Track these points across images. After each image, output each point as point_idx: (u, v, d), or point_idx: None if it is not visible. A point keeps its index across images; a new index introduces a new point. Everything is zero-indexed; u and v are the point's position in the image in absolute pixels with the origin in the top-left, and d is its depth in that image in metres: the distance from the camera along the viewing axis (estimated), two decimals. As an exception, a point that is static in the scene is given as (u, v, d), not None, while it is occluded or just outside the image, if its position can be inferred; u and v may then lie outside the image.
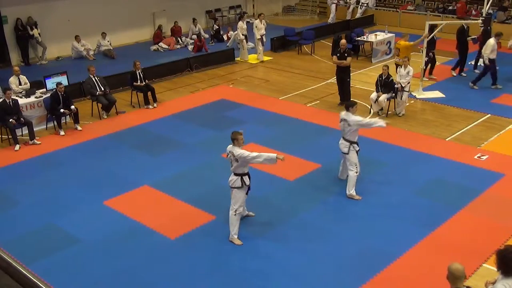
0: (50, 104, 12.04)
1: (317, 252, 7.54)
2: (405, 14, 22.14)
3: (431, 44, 14.45)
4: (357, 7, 23.20)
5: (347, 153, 8.88)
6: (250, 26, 18.56)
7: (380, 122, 8.84)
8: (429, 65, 14.92)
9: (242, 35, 17.22)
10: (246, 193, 7.78)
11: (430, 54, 14.51)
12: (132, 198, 9.19)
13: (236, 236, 7.79)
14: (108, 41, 18.75)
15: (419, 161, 10.22)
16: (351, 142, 8.83)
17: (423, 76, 14.24)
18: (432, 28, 14.36)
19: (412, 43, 13.86)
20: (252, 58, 17.67)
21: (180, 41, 19.80)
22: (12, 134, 11.32)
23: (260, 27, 17.25)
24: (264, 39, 17.54)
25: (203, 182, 9.60)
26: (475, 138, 11.19)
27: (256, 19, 17.51)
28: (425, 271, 7.09)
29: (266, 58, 17.61)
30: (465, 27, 14.79)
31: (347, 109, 8.87)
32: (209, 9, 22.68)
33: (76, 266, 7.39)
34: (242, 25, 17.19)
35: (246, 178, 7.65)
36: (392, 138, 11.22)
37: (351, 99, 12.94)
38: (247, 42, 17.56)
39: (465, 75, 15.15)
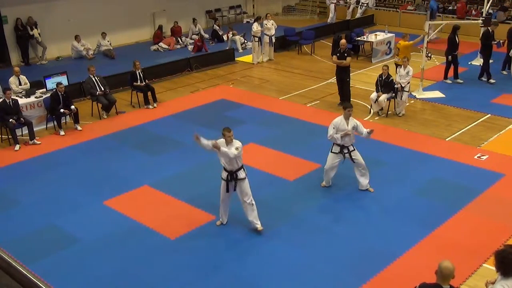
0: (50, 104, 12.04)
1: (317, 252, 7.54)
2: (405, 14, 22.16)
3: (454, 46, 14.31)
4: (357, 7, 23.21)
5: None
6: (250, 26, 18.49)
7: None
8: (453, 67, 14.61)
9: (256, 37, 16.99)
10: (228, 190, 7.92)
11: (449, 57, 14.36)
12: (132, 198, 9.19)
13: (220, 217, 8.23)
14: (108, 41, 18.75)
15: (419, 161, 10.22)
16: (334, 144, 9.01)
17: (446, 77, 14.59)
18: (455, 30, 14.31)
19: (411, 42, 13.88)
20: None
21: (180, 41, 19.81)
22: (12, 134, 11.32)
23: (270, 27, 17.23)
24: (273, 39, 17.52)
25: (203, 182, 9.59)
26: (475, 138, 11.19)
27: (266, 20, 17.36)
28: (425, 271, 7.07)
29: (266, 58, 17.59)
30: (490, 31, 14.51)
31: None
32: (209, 9, 22.70)
33: (76, 266, 7.39)
34: (258, 27, 16.94)
35: (223, 172, 7.93)
36: (392, 138, 11.22)
37: (351, 99, 13.02)
38: (260, 45, 17.32)
39: (493, 81, 14.56)
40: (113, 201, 9.07)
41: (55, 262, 7.45)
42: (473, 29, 16.75)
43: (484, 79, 14.69)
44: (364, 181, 9.09)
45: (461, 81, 14.64)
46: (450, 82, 14.68)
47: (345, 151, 8.85)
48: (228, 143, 7.73)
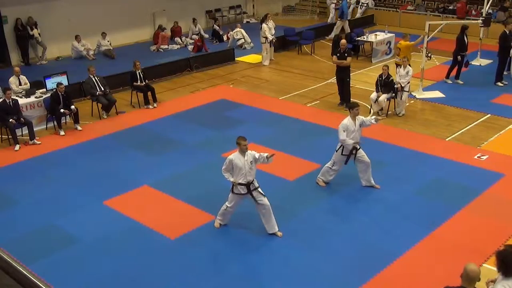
0: (50, 104, 12.04)
1: (317, 252, 7.54)
2: (405, 14, 22.15)
3: (462, 46, 14.20)
4: (357, 7, 23.21)
5: (336, 150, 9.00)
6: (250, 26, 18.49)
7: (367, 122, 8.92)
8: (456, 68, 14.49)
9: (263, 37, 16.87)
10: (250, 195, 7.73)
11: (458, 57, 14.24)
12: (132, 198, 9.19)
13: (218, 220, 8.13)
14: (108, 41, 18.73)
15: (419, 161, 10.22)
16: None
17: (447, 77, 14.58)
18: (463, 30, 14.25)
19: (413, 42, 13.87)
20: (255, 58, 17.66)
21: (180, 40, 19.80)
22: (12, 134, 11.32)
23: (270, 27, 17.22)
24: (274, 40, 17.52)
25: (203, 182, 9.60)
26: (475, 138, 11.19)
27: (266, 20, 17.34)
28: (425, 271, 7.09)
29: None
30: (507, 32, 14.34)
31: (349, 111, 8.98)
32: (209, 9, 22.69)
33: (76, 266, 7.39)
34: (266, 27, 16.80)
35: (238, 187, 7.66)
36: (392, 138, 11.22)
37: (351, 99, 13.01)
38: (271, 46, 17.25)
39: (506, 82, 14.43)
40: (113, 201, 9.07)
41: (55, 262, 7.44)
42: (472, 29, 16.70)
43: (500, 84, 14.42)
44: (366, 176, 9.12)
45: (461, 83, 14.61)
46: (451, 82, 14.66)
47: (354, 151, 8.86)
48: (244, 152, 7.56)
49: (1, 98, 11.70)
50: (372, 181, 9.16)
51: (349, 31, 19.43)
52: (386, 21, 20.60)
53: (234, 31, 19.26)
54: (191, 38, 19.94)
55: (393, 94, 12.41)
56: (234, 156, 7.59)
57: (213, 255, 7.59)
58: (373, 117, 8.93)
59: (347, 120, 8.77)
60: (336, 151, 8.99)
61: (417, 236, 7.80)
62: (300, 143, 11.13)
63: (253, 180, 7.71)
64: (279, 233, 7.88)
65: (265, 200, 7.76)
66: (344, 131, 8.68)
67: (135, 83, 13.49)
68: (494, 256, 5.26)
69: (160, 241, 7.91)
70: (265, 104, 13.43)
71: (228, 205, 7.91)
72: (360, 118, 8.87)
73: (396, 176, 9.62)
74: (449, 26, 17.88)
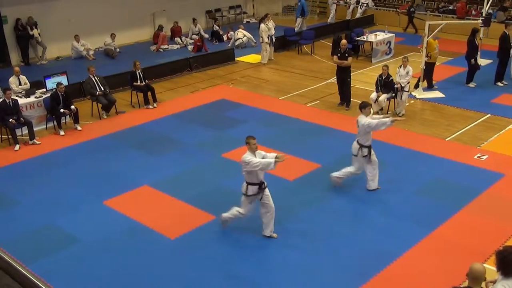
0: (50, 104, 12.05)
1: (317, 252, 7.54)
2: (405, 14, 22.12)
3: (474, 48, 14.11)
4: (357, 7, 23.22)
5: (356, 155, 8.84)
6: (250, 26, 18.48)
7: (387, 122, 8.69)
8: (469, 72, 14.34)
9: (261, 37, 16.90)
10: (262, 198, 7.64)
11: (472, 60, 14.12)
12: (132, 198, 9.19)
13: (224, 216, 7.92)
14: (114, 43, 18.73)
15: (419, 161, 10.22)
16: (361, 146, 8.78)
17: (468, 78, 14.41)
18: (474, 33, 14.18)
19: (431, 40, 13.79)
20: (255, 58, 17.68)
21: (180, 40, 19.81)
22: (12, 134, 11.32)
23: (270, 27, 17.24)
24: (274, 39, 17.53)
25: (203, 182, 9.60)
26: (475, 138, 11.19)
27: (266, 20, 17.36)
28: (425, 271, 7.09)
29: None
30: (507, 33, 14.22)
31: (360, 110, 8.87)
32: (209, 9, 22.70)
33: (76, 266, 7.39)
34: (265, 27, 16.83)
35: (251, 188, 7.55)
36: (392, 138, 11.21)
37: (351, 99, 13.02)
38: (272, 45, 17.33)
39: (506, 82, 14.38)
40: (113, 201, 9.07)
41: (55, 262, 7.44)
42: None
43: (500, 84, 14.36)
44: (373, 183, 9.06)
45: (473, 85, 14.47)
46: (474, 86, 14.33)
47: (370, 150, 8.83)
48: (254, 151, 7.45)
49: (1, 98, 11.70)
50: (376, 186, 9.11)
51: (305, 28, 20.25)
52: (386, 21, 20.60)
53: (236, 32, 19.27)
54: (191, 38, 19.96)
55: (393, 94, 12.42)
56: (249, 155, 7.39)
57: (213, 255, 7.58)
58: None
59: (364, 118, 8.69)
60: (356, 155, 8.82)
61: (417, 236, 7.80)
62: (300, 143, 11.13)
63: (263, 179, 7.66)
64: (274, 234, 7.88)
65: (272, 202, 7.72)
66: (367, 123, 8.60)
67: (135, 83, 13.49)
68: (494, 256, 5.25)
69: (160, 241, 7.91)
70: (265, 104, 13.43)
71: (241, 211, 7.74)
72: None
73: (396, 176, 9.62)
74: (449, 26, 17.88)
